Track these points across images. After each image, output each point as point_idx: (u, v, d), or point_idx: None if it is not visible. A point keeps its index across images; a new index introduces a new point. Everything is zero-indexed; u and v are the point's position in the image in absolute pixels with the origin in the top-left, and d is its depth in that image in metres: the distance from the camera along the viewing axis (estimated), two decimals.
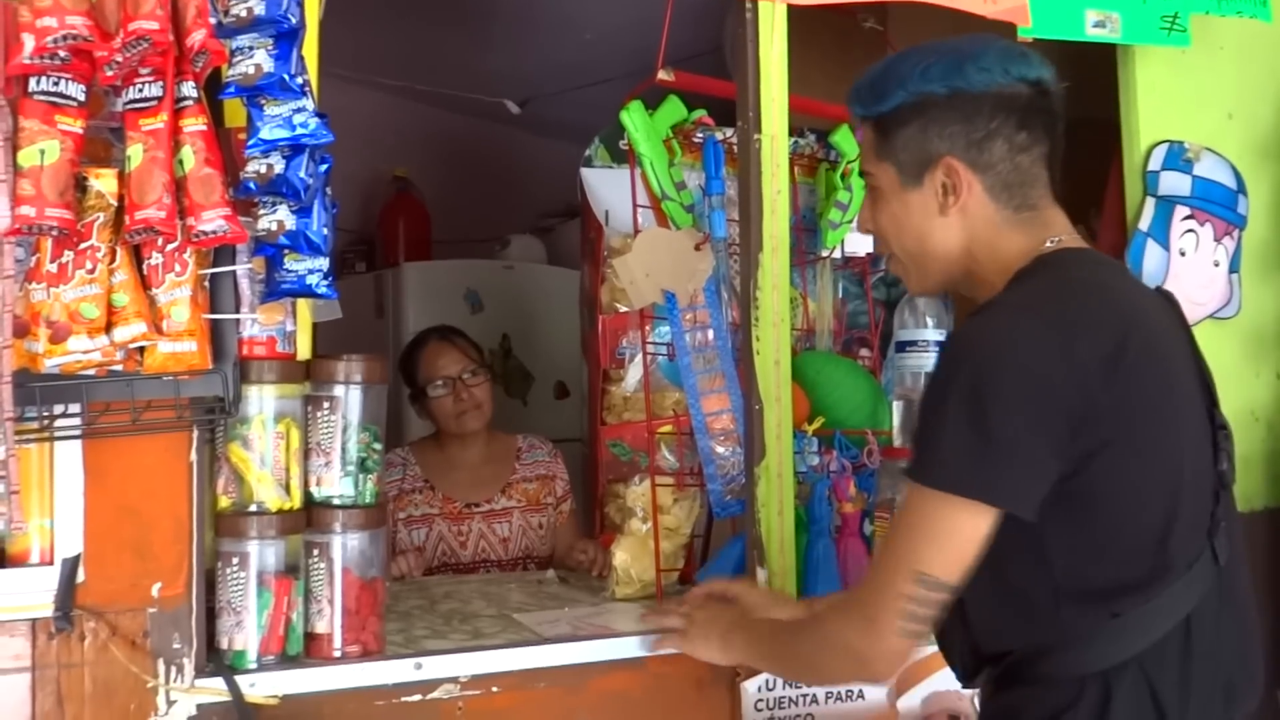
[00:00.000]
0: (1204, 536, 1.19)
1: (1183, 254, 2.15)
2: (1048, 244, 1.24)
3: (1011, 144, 1.24)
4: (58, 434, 1.38)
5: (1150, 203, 2.13)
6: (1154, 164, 2.14)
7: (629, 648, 1.66)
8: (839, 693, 1.76)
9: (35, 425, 1.36)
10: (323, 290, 1.44)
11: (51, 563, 1.40)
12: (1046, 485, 1.13)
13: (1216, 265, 2.18)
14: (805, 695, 1.74)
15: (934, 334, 2.05)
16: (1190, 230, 2.16)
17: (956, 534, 1.14)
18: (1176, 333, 1.27)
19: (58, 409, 1.37)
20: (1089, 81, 2.58)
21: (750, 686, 1.70)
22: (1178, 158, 2.15)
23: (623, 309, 2.55)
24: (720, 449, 1.88)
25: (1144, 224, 2.13)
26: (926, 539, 1.15)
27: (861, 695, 1.76)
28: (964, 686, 1.29)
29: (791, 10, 1.80)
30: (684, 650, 1.57)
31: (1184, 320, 1.31)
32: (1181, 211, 2.14)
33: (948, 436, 1.14)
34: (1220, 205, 2.18)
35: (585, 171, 2.70)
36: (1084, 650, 1.15)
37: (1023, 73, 1.24)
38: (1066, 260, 1.23)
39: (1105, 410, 1.12)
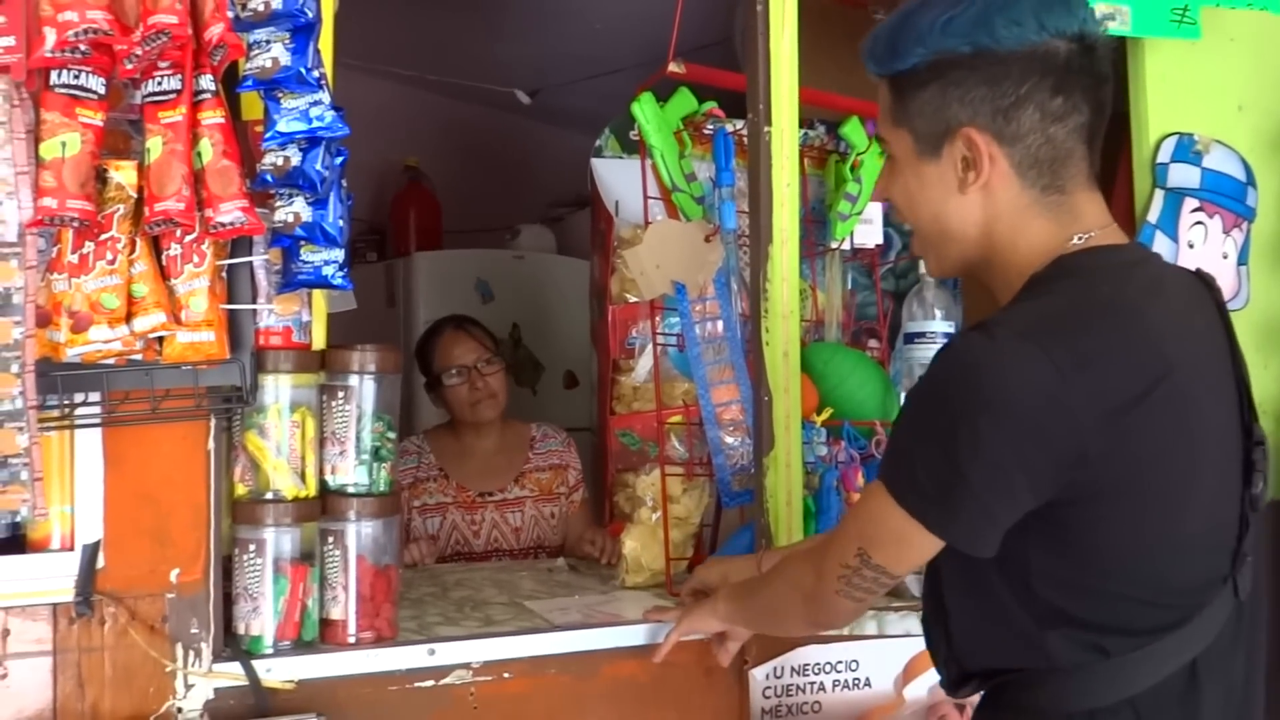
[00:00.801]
0: (1224, 574, 1.10)
1: (1191, 246, 2.16)
2: (1074, 240, 1.10)
3: (1044, 112, 1.08)
4: (78, 422, 1.40)
5: (1159, 195, 2.13)
6: (1163, 156, 2.14)
7: (639, 635, 1.68)
8: (846, 680, 1.77)
9: (56, 413, 1.38)
10: (338, 281, 1.45)
11: (72, 548, 1.42)
12: (1009, 524, 1.06)
13: (1225, 257, 2.18)
14: (813, 683, 1.76)
15: (943, 325, 2.06)
16: (1199, 222, 2.16)
17: (906, 542, 1.12)
18: (1211, 345, 1.13)
19: (78, 397, 1.39)
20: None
21: (759, 674, 1.72)
22: (1187, 150, 2.15)
23: (632, 299, 2.56)
24: (729, 439, 1.90)
25: (1153, 216, 2.14)
26: (879, 532, 1.14)
27: (869, 684, 1.78)
28: (949, 694, 1.25)
29: (802, 2, 1.80)
30: (685, 629, 1.59)
31: (1225, 315, 1.16)
32: (1190, 203, 2.14)
33: (922, 459, 1.07)
34: (1229, 197, 2.19)
35: (595, 162, 2.71)
36: (1072, 685, 1.08)
37: (1062, 26, 1.07)
38: (1091, 269, 1.09)
39: (1099, 459, 1.02)
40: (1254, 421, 1.14)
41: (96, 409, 1.40)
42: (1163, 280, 1.14)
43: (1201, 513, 1.09)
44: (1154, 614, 1.07)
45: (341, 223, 1.44)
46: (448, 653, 1.57)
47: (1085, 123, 1.11)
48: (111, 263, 1.34)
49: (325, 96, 1.38)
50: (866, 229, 2.15)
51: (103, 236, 1.34)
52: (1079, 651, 1.08)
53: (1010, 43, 1.07)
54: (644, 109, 1.96)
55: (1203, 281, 1.19)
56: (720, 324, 1.94)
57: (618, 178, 2.65)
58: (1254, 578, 1.13)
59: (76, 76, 1.30)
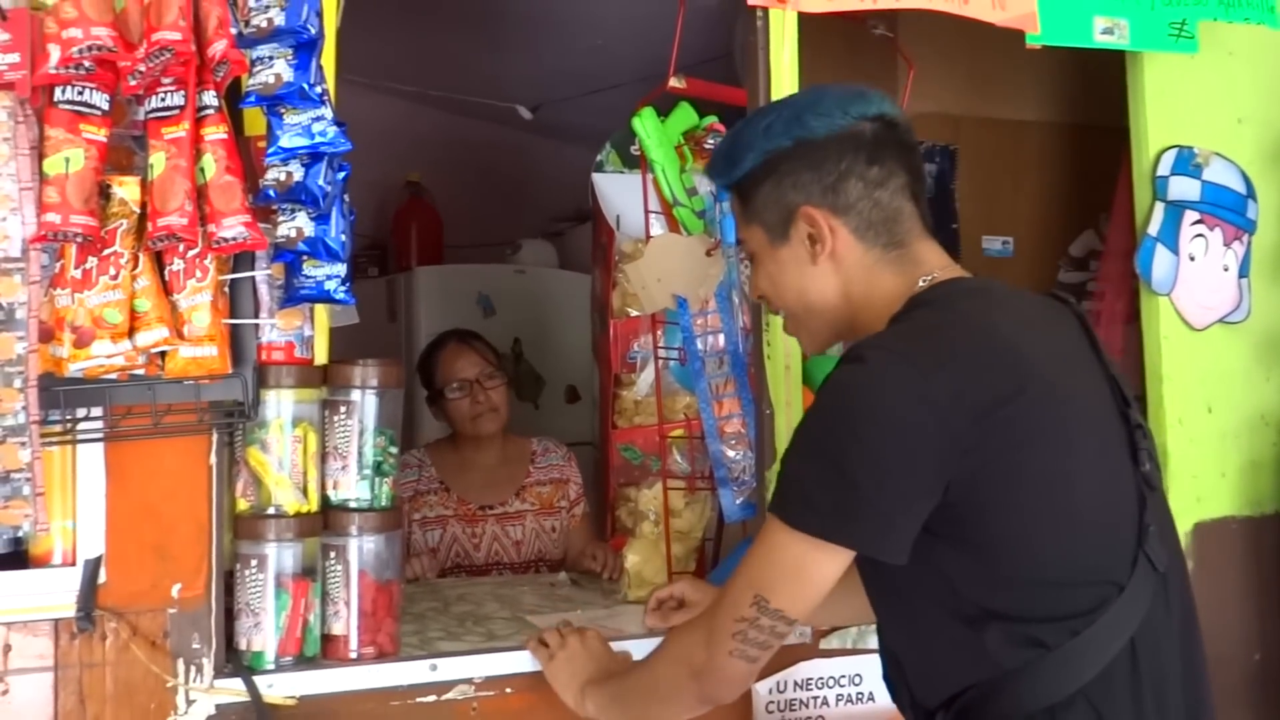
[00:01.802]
0: (1133, 549, 1.15)
1: (1192, 259, 2.16)
2: (920, 283, 1.23)
3: (866, 181, 1.23)
4: (81, 437, 1.40)
5: (1160, 207, 2.13)
6: (1163, 169, 2.14)
7: (642, 650, 1.66)
8: (849, 695, 1.77)
9: (59, 428, 1.38)
10: (340, 296, 1.46)
11: (74, 563, 1.42)
12: (914, 526, 1.11)
13: (1226, 270, 2.18)
14: (816, 698, 1.75)
15: None
16: (1200, 235, 2.16)
17: (808, 573, 1.14)
18: (1073, 346, 1.24)
19: (80, 412, 1.39)
20: (1097, 87, 2.60)
21: (761, 688, 1.72)
22: (1187, 163, 2.15)
23: (634, 313, 2.56)
24: (731, 453, 1.89)
25: (1153, 229, 2.14)
26: (777, 571, 1.15)
27: (872, 698, 1.77)
28: None
29: (802, 17, 1.81)
30: (547, 677, 1.52)
31: (1086, 326, 1.27)
32: (1191, 216, 2.14)
33: (811, 479, 1.13)
34: (1230, 210, 2.19)
35: (597, 176, 2.71)
36: (1024, 686, 1.11)
37: (862, 111, 1.24)
38: (938, 296, 1.21)
39: (976, 449, 1.10)
40: (1129, 408, 1.22)
41: (99, 424, 1.40)
42: (1010, 297, 1.26)
43: (1090, 492, 1.15)
44: (1074, 596, 1.12)
45: (344, 237, 1.44)
46: (450, 668, 1.56)
47: (905, 183, 1.25)
48: (114, 278, 1.34)
49: (328, 112, 1.39)
50: None
51: (106, 252, 1.35)
52: (1019, 648, 1.12)
53: (822, 130, 1.23)
54: (645, 124, 1.97)
55: (1056, 298, 1.31)
56: (722, 337, 1.94)
57: (619, 192, 2.65)
58: (1170, 553, 1.19)
59: (80, 93, 1.31)
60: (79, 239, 1.31)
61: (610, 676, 1.45)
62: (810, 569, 1.14)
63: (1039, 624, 1.11)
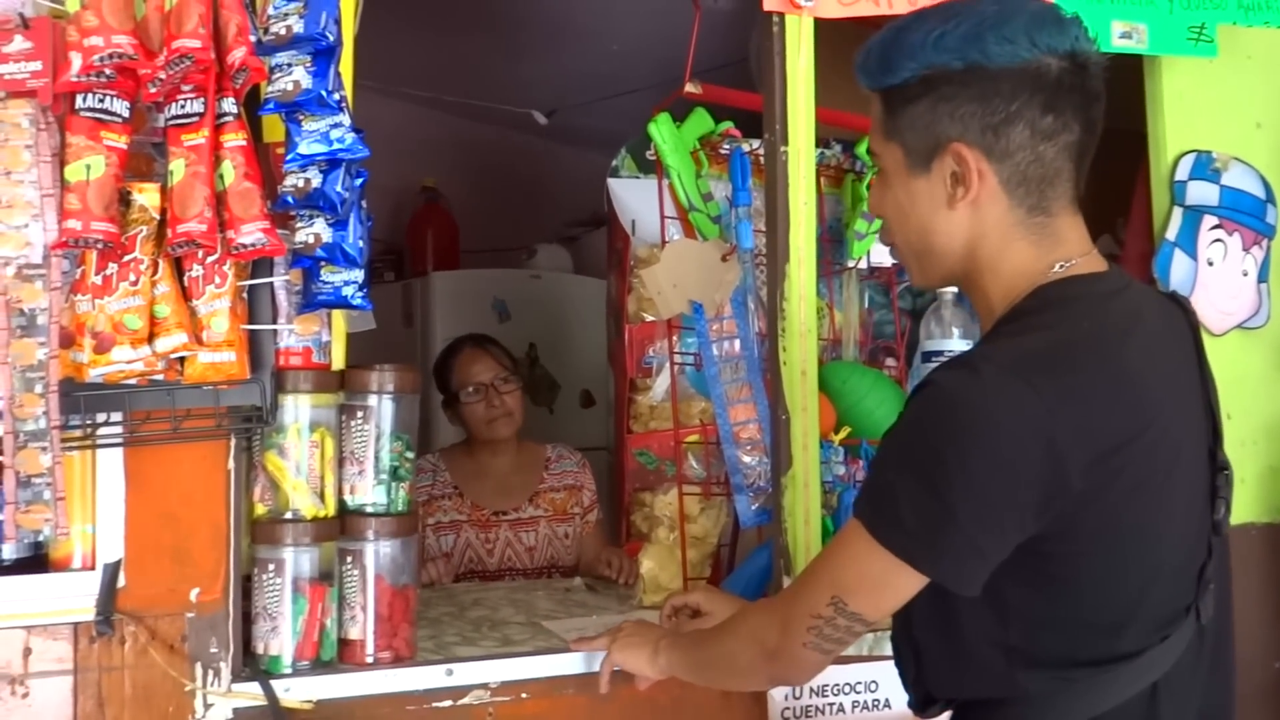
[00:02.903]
0: (1188, 602, 1.10)
1: (1210, 264, 2.14)
2: (1056, 268, 1.10)
3: (1034, 129, 1.08)
4: (100, 442, 1.41)
5: (1178, 212, 2.12)
6: (1181, 173, 2.13)
7: None
8: (865, 701, 1.76)
9: (79, 433, 1.39)
10: (358, 301, 1.46)
11: (93, 568, 1.43)
12: (997, 561, 1.05)
13: (1245, 275, 2.16)
14: (832, 704, 1.74)
15: (960, 344, 2.05)
16: (1218, 240, 2.15)
17: (888, 586, 1.10)
18: (1184, 369, 1.14)
19: (100, 417, 1.40)
20: (1115, 91, 2.58)
21: (777, 694, 1.71)
22: (1205, 167, 2.14)
23: (649, 319, 2.57)
24: (747, 458, 1.89)
25: (1171, 234, 2.13)
26: (857, 576, 1.11)
27: (888, 704, 1.76)
28: (915, 714, 1.24)
29: (818, 23, 1.81)
30: (616, 660, 1.52)
31: (1198, 338, 1.18)
32: (1209, 221, 2.13)
33: (905, 496, 1.05)
34: (1249, 215, 2.17)
35: (612, 181, 2.72)
36: (1036, 710, 1.09)
37: (1054, 44, 1.06)
38: (1071, 299, 1.09)
39: (1082, 495, 1.02)
40: (1218, 447, 1.14)
41: (118, 429, 1.41)
42: (1141, 311, 1.13)
43: (1174, 543, 1.09)
44: (1119, 640, 1.08)
45: (361, 243, 1.45)
46: (466, 673, 1.57)
47: (1075, 141, 1.10)
48: (134, 284, 1.35)
49: (346, 119, 1.39)
50: (883, 247, 2.15)
51: (126, 258, 1.35)
52: (1045, 684, 1.08)
53: (1002, 59, 1.06)
54: (661, 129, 1.97)
55: (1178, 305, 1.20)
56: (737, 343, 1.94)
57: (634, 197, 2.66)
58: (1217, 603, 1.12)
59: (101, 100, 1.32)
60: (100, 245, 1.32)
61: (683, 638, 1.44)
62: (891, 582, 1.09)
63: (1077, 668, 1.07)
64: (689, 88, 1.93)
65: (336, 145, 1.38)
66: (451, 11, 3.33)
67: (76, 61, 1.30)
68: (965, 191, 1.11)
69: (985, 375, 1.03)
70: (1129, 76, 2.18)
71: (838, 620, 1.13)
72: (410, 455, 1.60)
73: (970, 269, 1.15)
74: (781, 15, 1.79)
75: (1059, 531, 1.04)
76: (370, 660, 1.54)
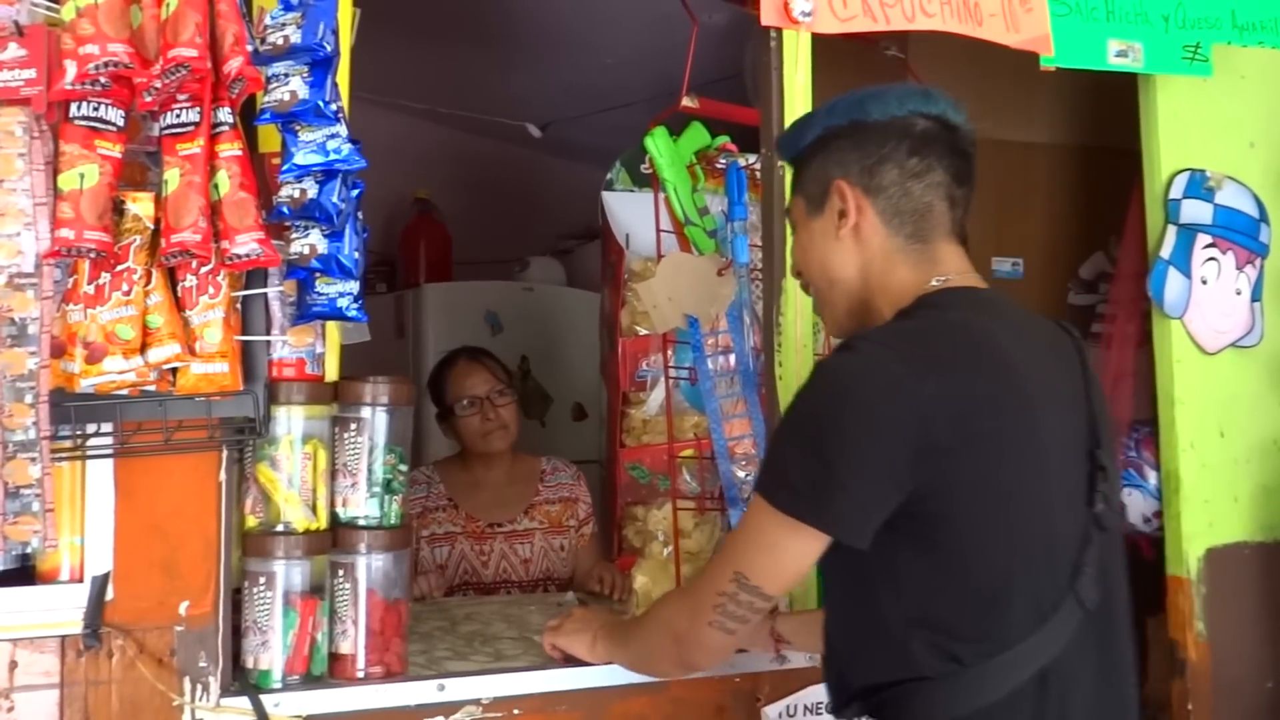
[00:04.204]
0: (1066, 587, 1.17)
1: (1204, 282, 2.15)
2: (933, 282, 1.26)
3: (903, 169, 1.27)
4: (91, 453, 1.39)
5: (1172, 231, 2.13)
6: (1175, 192, 2.13)
7: None
8: None
9: (69, 444, 1.37)
10: (353, 313, 1.45)
11: (81, 580, 1.41)
12: (881, 516, 1.15)
13: (1239, 294, 2.17)
14: None
15: None
16: (1212, 259, 2.16)
17: (786, 552, 1.19)
18: (1063, 374, 1.27)
19: (91, 428, 1.38)
20: (1109, 110, 2.59)
21: (771, 712, 1.70)
22: (1199, 186, 2.14)
23: (643, 332, 2.56)
24: (742, 474, 1.88)
25: (1165, 252, 2.13)
26: (757, 548, 1.21)
27: None
28: (835, 717, 1.29)
29: (814, 38, 1.81)
30: (557, 644, 1.61)
31: (1083, 359, 1.31)
32: (1203, 240, 2.14)
33: (794, 462, 1.18)
34: (1242, 234, 2.18)
35: (606, 195, 2.71)
36: (937, 695, 1.15)
37: (919, 108, 1.28)
38: (945, 301, 1.25)
39: (951, 454, 1.13)
40: (1098, 450, 1.24)
41: (109, 440, 1.40)
42: (1016, 315, 1.29)
43: (1047, 518, 1.19)
44: (1001, 618, 1.15)
45: (357, 255, 1.44)
46: (458, 688, 1.55)
47: (942, 182, 1.28)
48: (127, 294, 1.34)
49: (343, 129, 1.39)
50: None
51: (119, 267, 1.34)
52: (938, 660, 1.16)
53: (877, 115, 1.28)
54: (657, 143, 1.96)
55: (1062, 328, 1.34)
56: (733, 357, 1.93)
57: (629, 211, 2.65)
58: (1105, 593, 1.21)
59: (96, 109, 1.31)
60: (92, 254, 1.31)
61: (615, 627, 1.55)
62: (787, 548, 1.19)
63: (963, 642, 1.15)
64: (686, 101, 1.93)
65: (333, 156, 1.37)
66: (447, 24, 3.33)
67: (71, 69, 1.29)
68: (847, 221, 1.29)
69: (859, 350, 1.19)
70: (1120, 94, 2.19)
71: (740, 596, 1.22)
72: (404, 468, 1.59)
73: (866, 295, 1.31)
74: (779, 30, 1.79)
75: (935, 490, 1.14)
76: (361, 675, 1.52)
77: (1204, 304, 2.13)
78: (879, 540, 1.16)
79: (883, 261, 1.29)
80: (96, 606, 1.39)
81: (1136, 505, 2.33)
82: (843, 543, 1.16)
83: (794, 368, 1.77)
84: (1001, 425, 1.16)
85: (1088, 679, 1.19)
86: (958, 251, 1.30)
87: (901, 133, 1.27)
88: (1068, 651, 1.17)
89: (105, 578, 1.41)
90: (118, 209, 1.35)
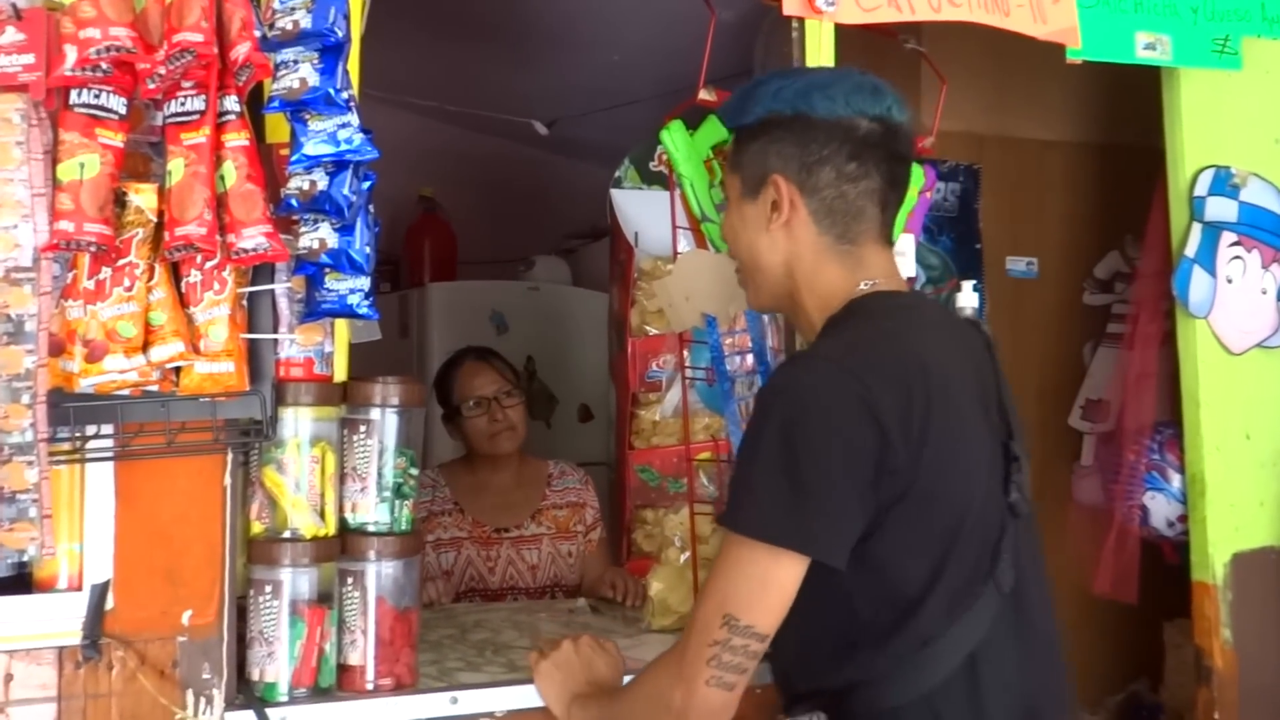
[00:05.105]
0: (984, 571, 1.23)
1: (1230, 281, 2.12)
2: (862, 285, 1.30)
3: (840, 173, 1.30)
4: (90, 456, 1.35)
5: (1197, 228, 2.10)
6: (1200, 189, 2.10)
7: None
8: None
9: (67, 446, 1.33)
10: (364, 310, 1.40)
11: (80, 589, 1.37)
12: (855, 533, 1.17)
13: (1264, 293, 2.14)
14: None
15: None
16: (1237, 257, 2.13)
17: (769, 581, 1.16)
18: (974, 368, 1.31)
19: (90, 430, 1.34)
20: (1125, 107, 2.56)
21: None
22: (1224, 183, 2.11)
23: (653, 332, 2.52)
24: None
25: (1190, 250, 2.10)
26: (738, 585, 1.17)
27: None
28: (785, 715, 1.29)
29: (838, 30, 1.77)
30: (536, 684, 1.49)
31: (991, 352, 1.36)
32: (1228, 237, 2.11)
33: (761, 485, 1.17)
34: (1268, 231, 2.15)
35: (615, 193, 2.67)
36: (875, 691, 1.20)
37: (864, 107, 1.29)
38: (873, 307, 1.29)
39: (904, 461, 1.17)
40: (1011, 440, 1.30)
41: (109, 442, 1.35)
42: (935, 318, 1.37)
43: (968, 519, 1.23)
44: (930, 613, 1.20)
45: (368, 249, 1.39)
46: (471, 700, 1.50)
47: (877, 188, 1.32)
48: (129, 289, 1.29)
49: (354, 118, 1.34)
50: (899, 261, 2.10)
51: (120, 262, 1.29)
52: (877, 662, 1.20)
53: (822, 111, 1.30)
54: (674, 137, 1.91)
55: (971, 324, 1.42)
56: (751, 358, 1.88)
57: (637, 209, 2.62)
58: (1022, 578, 1.26)
59: (97, 96, 1.27)
60: (93, 248, 1.26)
61: (598, 693, 1.43)
62: (769, 577, 1.16)
63: (899, 639, 1.20)
64: (703, 94, 1.88)
65: (344, 146, 1.32)
66: (453, 21, 3.31)
67: (71, 54, 1.24)
68: (779, 216, 1.32)
69: (813, 368, 1.21)
70: (1136, 92, 2.16)
71: (734, 641, 1.17)
72: (414, 472, 1.54)
73: (792, 288, 1.34)
74: (801, 20, 1.76)
75: (888, 500, 1.17)
76: (371, 687, 1.47)
77: (1229, 303, 2.10)
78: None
79: (811, 258, 1.32)
80: (96, 616, 1.35)
81: (1160, 509, 2.29)
82: (824, 564, 1.16)
83: None
84: (934, 433, 1.19)
85: (1011, 654, 1.25)
86: (884, 254, 1.34)
87: (844, 135, 1.29)
88: (991, 635, 1.22)
89: (105, 586, 1.36)
90: (119, 201, 1.30)
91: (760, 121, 1.33)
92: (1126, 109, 2.49)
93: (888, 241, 1.36)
